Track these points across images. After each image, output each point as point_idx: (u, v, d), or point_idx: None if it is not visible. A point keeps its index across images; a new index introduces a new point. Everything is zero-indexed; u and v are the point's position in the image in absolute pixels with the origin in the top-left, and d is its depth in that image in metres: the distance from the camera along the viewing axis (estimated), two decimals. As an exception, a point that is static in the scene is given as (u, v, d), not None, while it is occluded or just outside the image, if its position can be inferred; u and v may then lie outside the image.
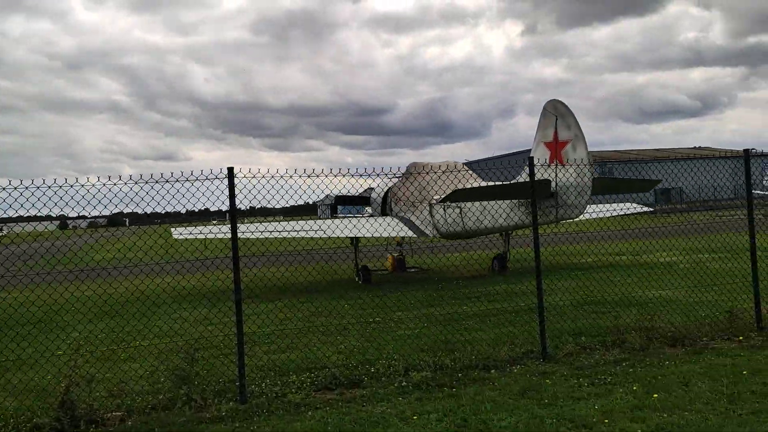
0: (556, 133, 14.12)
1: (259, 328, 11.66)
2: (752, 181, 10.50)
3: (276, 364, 9.23)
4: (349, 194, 22.92)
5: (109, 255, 22.72)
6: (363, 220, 17.47)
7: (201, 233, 17.35)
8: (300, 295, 16.26)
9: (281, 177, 8.50)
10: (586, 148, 13.75)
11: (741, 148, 10.82)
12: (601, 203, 20.18)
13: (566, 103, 14.27)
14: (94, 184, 8.29)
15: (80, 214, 9.23)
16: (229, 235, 16.82)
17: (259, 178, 8.32)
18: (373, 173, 10.10)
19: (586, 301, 12.96)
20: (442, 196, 16.34)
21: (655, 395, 7.04)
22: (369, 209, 27.22)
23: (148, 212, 9.43)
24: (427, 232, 18.43)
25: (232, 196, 8.03)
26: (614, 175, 63.11)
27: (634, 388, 7.37)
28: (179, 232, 17.13)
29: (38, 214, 8.36)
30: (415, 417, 6.80)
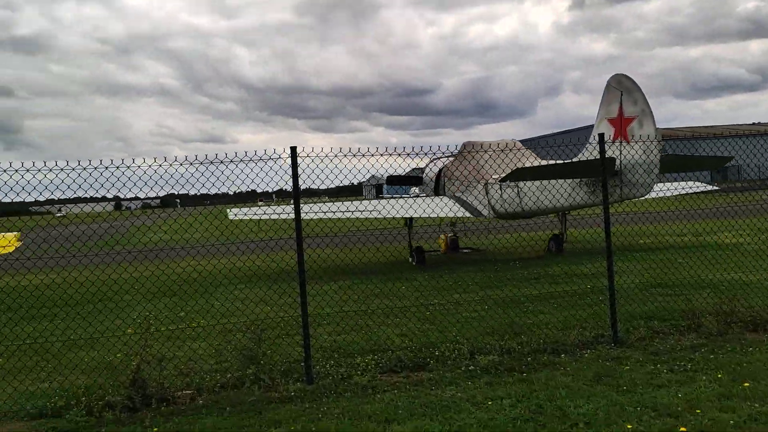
0: (621, 109, 13.54)
1: (319, 309, 11.64)
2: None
3: (339, 346, 9.17)
4: (399, 174, 22.69)
5: (166, 236, 23.15)
6: (419, 200, 17.23)
7: (256, 214, 17.43)
8: (354, 276, 16.19)
9: (344, 156, 8.34)
10: (654, 124, 13.15)
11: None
12: (660, 182, 19.37)
13: (632, 78, 13.65)
14: (151, 165, 8.24)
15: (135, 196, 9.34)
16: (284, 216, 16.89)
17: (322, 158, 8.17)
18: (430, 152, 9.86)
19: (653, 284, 12.48)
20: (502, 175, 15.92)
21: (746, 383, 6.65)
22: (415, 189, 26.95)
23: (199, 193, 9.45)
24: (484, 212, 18.09)
25: (295, 175, 7.91)
26: (667, 153, 60.95)
27: (719, 375, 6.99)
28: (234, 213, 17.25)
29: (95, 196, 8.45)
30: (489, 402, 6.61)
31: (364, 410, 6.61)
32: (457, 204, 18.06)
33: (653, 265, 13.60)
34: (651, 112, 13.30)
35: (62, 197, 7.94)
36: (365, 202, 18.69)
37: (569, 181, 15.19)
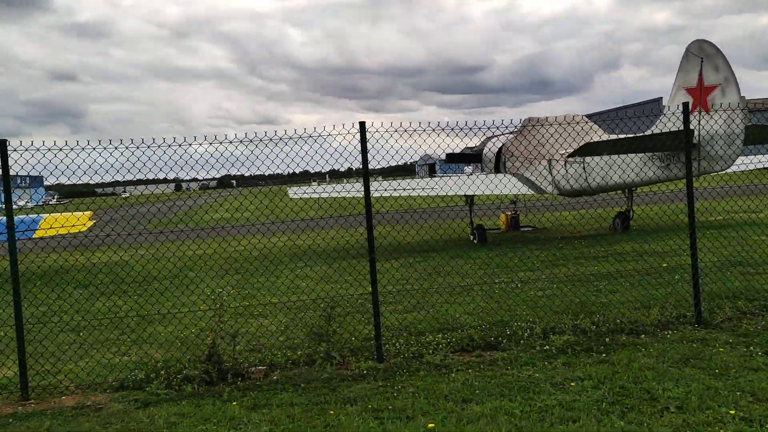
0: (701, 77, 12.79)
1: (381, 287, 11.52)
2: None
3: (407, 324, 9.05)
4: (457, 152, 22.28)
5: (227, 214, 23.58)
6: (481, 177, 16.88)
7: (315, 192, 17.46)
8: (416, 253, 16.04)
9: (414, 131, 8.12)
10: (739, 93, 12.37)
11: None
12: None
13: (715, 44, 12.83)
14: (210, 144, 8.16)
15: (194, 177, 9.43)
16: (342, 194, 16.81)
17: (391, 132, 7.99)
18: (493, 125, 9.53)
19: (733, 262, 11.86)
20: (569, 150, 15.36)
21: None
22: (468, 168, 26.46)
23: (254, 174, 9.40)
24: (547, 189, 17.59)
25: (364, 151, 7.74)
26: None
27: (819, 359, 6.54)
28: (294, 191, 17.32)
29: (155, 178, 8.55)
30: (570, 383, 6.35)
31: (440, 389, 6.46)
32: (518, 181, 17.62)
33: (732, 242, 12.91)
34: (735, 79, 12.51)
35: (124, 180, 8.06)
36: (427, 179, 18.44)
37: (640, 155, 14.52)
